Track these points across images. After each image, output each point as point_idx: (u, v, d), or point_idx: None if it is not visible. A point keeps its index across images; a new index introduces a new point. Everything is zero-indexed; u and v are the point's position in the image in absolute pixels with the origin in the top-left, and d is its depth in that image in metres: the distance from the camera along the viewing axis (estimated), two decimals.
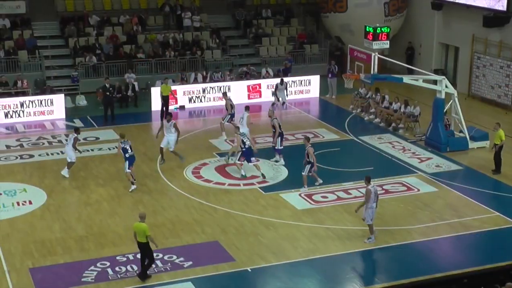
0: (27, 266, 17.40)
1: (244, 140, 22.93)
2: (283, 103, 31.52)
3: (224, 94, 28.49)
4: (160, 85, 30.53)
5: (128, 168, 22.03)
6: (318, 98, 33.54)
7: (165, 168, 23.97)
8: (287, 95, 32.01)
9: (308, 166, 21.89)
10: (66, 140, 23.88)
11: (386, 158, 25.47)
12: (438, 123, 26.11)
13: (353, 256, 18.19)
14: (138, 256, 17.70)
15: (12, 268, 17.25)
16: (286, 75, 34.35)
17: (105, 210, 20.78)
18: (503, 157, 24.40)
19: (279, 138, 24.35)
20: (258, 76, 34.41)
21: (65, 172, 23.15)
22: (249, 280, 17.04)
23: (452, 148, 26.02)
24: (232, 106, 27.25)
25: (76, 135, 23.27)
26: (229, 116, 27.16)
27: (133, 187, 22.05)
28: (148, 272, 16.82)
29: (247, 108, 25.98)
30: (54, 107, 29.78)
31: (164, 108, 29.80)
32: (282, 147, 24.52)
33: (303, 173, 22.04)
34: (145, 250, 16.58)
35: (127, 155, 22.01)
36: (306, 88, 33.68)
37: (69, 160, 23.16)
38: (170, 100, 30.23)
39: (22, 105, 29.40)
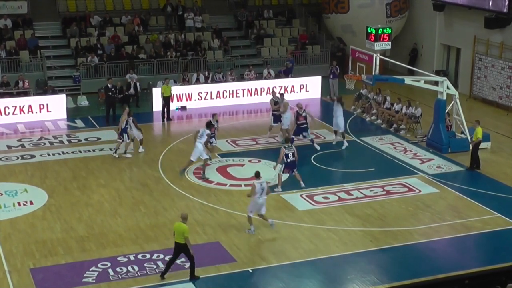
0: (28, 266, 17.39)
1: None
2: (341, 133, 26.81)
3: (282, 95, 28.15)
4: (162, 86, 30.53)
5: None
6: (320, 99, 33.51)
7: (166, 169, 23.98)
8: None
9: (282, 166, 22.09)
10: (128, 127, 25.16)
11: (387, 159, 25.44)
12: (439, 124, 26.09)
13: (354, 257, 18.17)
14: (139, 256, 17.83)
15: (13, 269, 17.25)
16: (287, 76, 34.35)
17: (106, 211, 20.77)
18: (505, 158, 24.36)
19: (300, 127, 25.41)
20: (260, 77, 34.39)
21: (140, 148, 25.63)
22: (250, 281, 17.03)
23: (454, 149, 25.99)
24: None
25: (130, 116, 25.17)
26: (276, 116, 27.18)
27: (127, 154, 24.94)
28: (164, 273, 16.89)
29: (282, 95, 27.77)
30: (56, 107, 29.79)
31: (166, 109, 29.83)
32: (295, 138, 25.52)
33: (278, 172, 22.30)
34: (184, 250, 16.64)
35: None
36: (308, 89, 33.65)
37: (140, 138, 25.63)
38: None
39: (23, 105, 29.41)
